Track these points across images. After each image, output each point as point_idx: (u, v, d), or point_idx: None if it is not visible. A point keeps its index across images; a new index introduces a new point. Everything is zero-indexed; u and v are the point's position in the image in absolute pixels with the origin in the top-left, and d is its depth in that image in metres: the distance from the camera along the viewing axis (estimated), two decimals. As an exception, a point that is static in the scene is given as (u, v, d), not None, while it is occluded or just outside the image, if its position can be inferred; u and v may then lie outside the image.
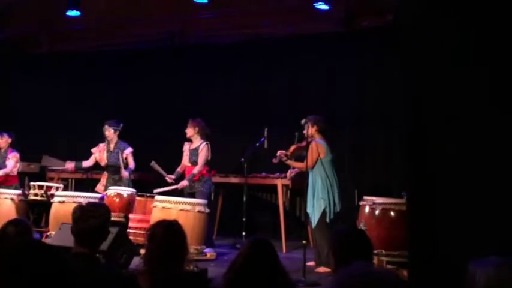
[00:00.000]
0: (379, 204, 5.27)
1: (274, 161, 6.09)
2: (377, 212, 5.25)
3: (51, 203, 6.11)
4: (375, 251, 4.78)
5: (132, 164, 6.66)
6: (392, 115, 7.18)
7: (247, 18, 8.08)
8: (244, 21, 8.09)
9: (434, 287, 3.27)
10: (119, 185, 6.51)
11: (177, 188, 6.29)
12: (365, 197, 5.52)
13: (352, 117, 7.68)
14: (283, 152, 5.93)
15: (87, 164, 6.87)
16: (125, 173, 6.58)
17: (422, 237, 3.41)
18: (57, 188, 6.67)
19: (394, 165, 7.24)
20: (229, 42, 8.39)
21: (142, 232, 5.38)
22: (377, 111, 7.49)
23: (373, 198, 5.40)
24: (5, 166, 7.08)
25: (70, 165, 6.88)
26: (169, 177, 6.42)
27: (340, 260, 2.51)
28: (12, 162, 7.11)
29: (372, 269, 1.57)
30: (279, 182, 6.77)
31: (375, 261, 4.87)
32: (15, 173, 7.20)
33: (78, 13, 7.56)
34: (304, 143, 5.62)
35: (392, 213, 5.18)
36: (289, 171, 6.57)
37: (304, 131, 5.63)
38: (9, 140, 7.18)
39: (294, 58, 8.00)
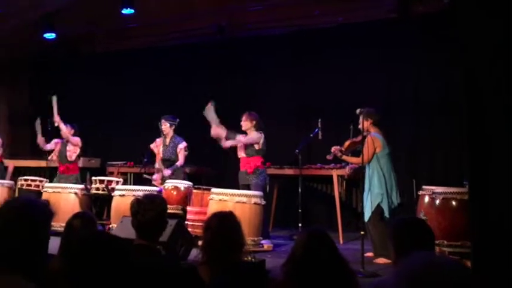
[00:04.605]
0: (440, 193, 5.13)
1: (329, 157, 6.02)
2: (437, 201, 5.11)
3: (112, 197, 6.32)
4: (436, 242, 4.67)
5: (181, 160, 6.74)
6: (451, 103, 6.98)
7: (296, 8, 8.02)
8: (294, 12, 8.04)
9: (500, 279, 3.15)
10: (175, 179, 6.63)
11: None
12: (424, 187, 5.39)
13: (408, 106, 7.50)
14: (338, 147, 5.85)
15: (159, 166, 6.90)
16: (166, 171, 6.66)
17: (486, 227, 3.29)
18: (117, 182, 6.88)
19: (452, 154, 7.04)
20: (278, 34, 8.36)
21: (200, 224, 5.45)
22: (434, 100, 7.30)
23: (433, 187, 5.27)
24: (66, 156, 7.32)
25: (158, 176, 6.88)
26: (217, 126, 6.22)
27: (401, 251, 2.45)
28: (74, 140, 7.29)
29: (436, 258, 1.52)
30: (335, 173, 6.71)
31: (437, 251, 4.75)
32: (74, 159, 7.37)
33: (132, 11, 7.74)
34: (359, 138, 5.53)
35: (453, 203, 5.03)
36: (347, 167, 6.50)
37: (359, 126, 5.52)
38: (72, 131, 7.43)
39: (346, 47, 7.87)
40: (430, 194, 5.19)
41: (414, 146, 7.44)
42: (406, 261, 1.48)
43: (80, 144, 7.39)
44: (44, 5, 8.12)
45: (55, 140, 7.49)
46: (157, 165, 6.90)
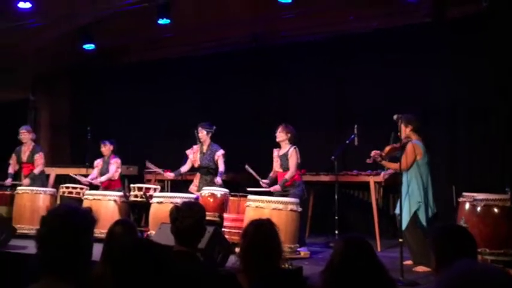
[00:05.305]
0: (481, 200, 5.01)
1: (369, 161, 5.94)
2: (478, 208, 4.99)
3: (150, 204, 6.40)
4: (478, 250, 4.54)
5: (222, 166, 6.80)
6: (489, 107, 6.83)
7: (331, 15, 7.99)
8: (328, 18, 8.01)
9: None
10: (211, 186, 6.68)
11: (269, 191, 6.31)
12: (465, 193, 5.27)
13: (445, 111, 7.37)
14: (378, 152, 5.77)
15: (185, 169, 7.10)
16: (217, 179, 6.73)
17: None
18: (155, 190, 6.96)
19: (493, 160, 6.87)
20: (313, 40, 8.34)
21: (237, 231, 5.48)
22: (472, 104, 7.15)
23: (474, 194, 5.14)
24: (107, 172, 7.53)
25: (169, 174, 7.15)
26: (264, 182, 6.32)
27: (442, 259, 2.41)
28: (114, 167, 7.53)
29: (479, 266, 1.48)
30: (371, 179, 6.64)
31: (479, 260, 4.63)
32: (117, 178, 7.61)
33: (168, 21, 7.86)
34: (399, 144, 5.45)
35: (495, 210, 4.91)
36: (382, 173, 6.42)
37: (398, 133, 5.44)
38: (111, 148, 7.62)
39: (381, 53, 7.80)
40: (471, 201, 5.07)
41: (453, 152, 7.30)
42: (450, 270, 1.45)
43: (120, 166, 7.59)
44: (80, 17, 8.35)
45: (96, 163, 7.68)
46: (182, 170, 7.00)
